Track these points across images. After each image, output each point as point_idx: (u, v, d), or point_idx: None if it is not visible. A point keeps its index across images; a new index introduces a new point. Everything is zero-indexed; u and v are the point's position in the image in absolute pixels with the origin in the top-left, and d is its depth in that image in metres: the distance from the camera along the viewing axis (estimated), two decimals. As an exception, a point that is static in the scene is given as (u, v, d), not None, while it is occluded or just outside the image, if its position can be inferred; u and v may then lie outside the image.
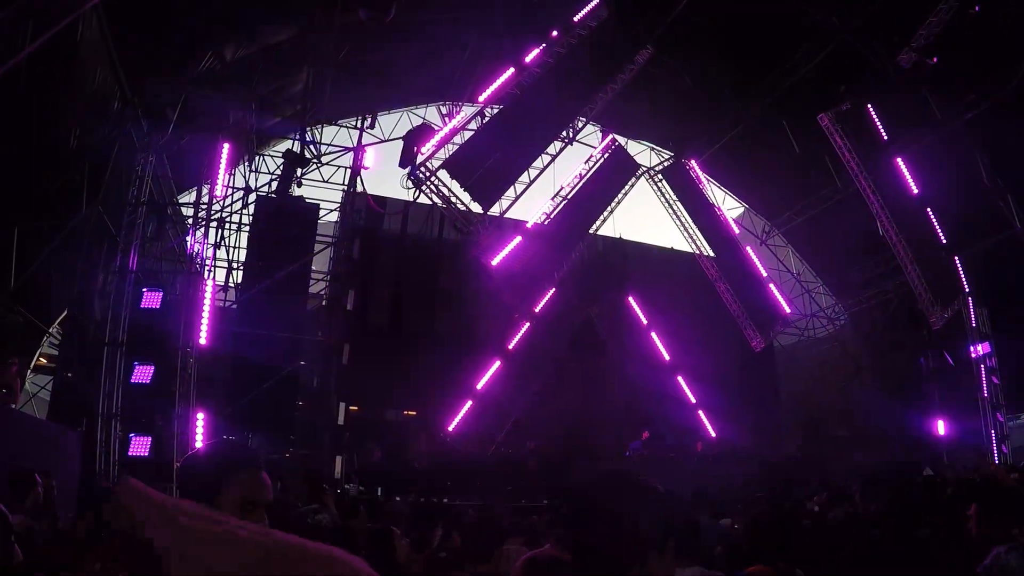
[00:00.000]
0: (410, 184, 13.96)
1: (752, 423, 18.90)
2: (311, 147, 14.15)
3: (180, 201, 13.68)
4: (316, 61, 14.16)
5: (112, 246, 10.90)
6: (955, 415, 16.94)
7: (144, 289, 10.31)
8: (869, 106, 16.91)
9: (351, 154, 14.50)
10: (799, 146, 18.72)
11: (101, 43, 9.65)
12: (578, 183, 17.78)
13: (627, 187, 19.08)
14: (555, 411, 17.24)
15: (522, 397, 16.76)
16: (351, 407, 13.95)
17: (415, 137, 13.70)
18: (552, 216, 17.08)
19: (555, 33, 14.90)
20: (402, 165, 13.87)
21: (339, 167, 15.26)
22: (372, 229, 17.11)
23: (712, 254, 20.57)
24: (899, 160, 17.31)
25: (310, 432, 13.21)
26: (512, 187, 15.57)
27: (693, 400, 19.39)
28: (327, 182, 15.26)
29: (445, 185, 14.18)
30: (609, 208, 18.58)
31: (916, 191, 17.50)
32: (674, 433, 17.99)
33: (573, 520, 1.63)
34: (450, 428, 16.00)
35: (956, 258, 17.98)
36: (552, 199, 17.31)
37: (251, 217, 13.48)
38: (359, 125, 14.70)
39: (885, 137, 17.18)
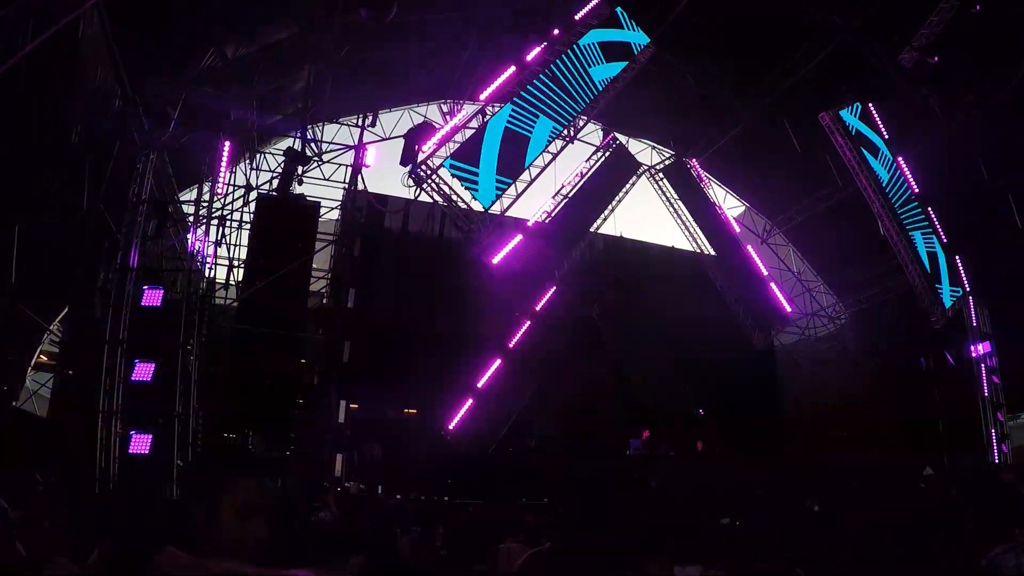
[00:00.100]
0: (411, 182, 13.99)
1: (752, 422, 18.90)
2: (312, 145, 14.15)
3: (181, 199, 13.69)
4: (316, 60, 14.17)
5: (113, 244, 10.89)
6: (955, 415, 16.95)
7: (145, 287, 10.31)
8: (870, 105, 16.92)
9: (352, 152, 14.45)
10: (800, 145, 18.71)
11: (102, 41, 9.64)
12: (579, 182, 17.78)
13: (628, 186, 19.07)
14: (555, 411, 17.23)
15: (522, 396, 16.76)
16: (351, 406, 13.96)
17: (416, 135, 13.71)
18: (553, 215, 17.08)
19: (556, 31, 14.90)
20: (403, 163, 13.88)
21: (340, 165, 15.23)
22: (373, 227, 17.12)
23: (713, 253, 20.56)
24: (899, 159, 17.32)
25: (310, 431, 13.21)
26: (513, 186, 15.58)
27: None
28: (328, 180, 15.23)
29: (446, 183, 14.21)
30: (610, 207, 18.59)
31: (916, 190, 17.52)
32: (674, 432, 18.00)
33: (573, 519, 1.64)
34: (450, 427, 16.00)
35: (957, 258, 17.99)
36: (553, 197, 17.32)
37: (252, 215, 13.48)
38: (360, 123, 14.66)
39: (886, 136, 17.20)
